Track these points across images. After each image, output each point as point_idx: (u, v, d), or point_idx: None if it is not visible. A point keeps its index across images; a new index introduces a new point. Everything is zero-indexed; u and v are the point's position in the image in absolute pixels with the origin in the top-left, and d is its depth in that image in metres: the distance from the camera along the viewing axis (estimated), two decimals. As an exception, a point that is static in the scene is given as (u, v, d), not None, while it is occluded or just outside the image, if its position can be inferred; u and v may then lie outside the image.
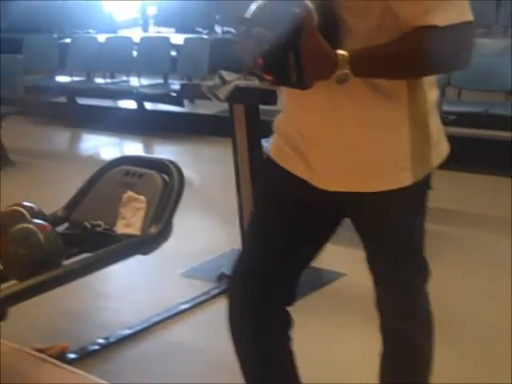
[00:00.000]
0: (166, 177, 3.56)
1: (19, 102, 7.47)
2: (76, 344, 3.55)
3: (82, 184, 3.74)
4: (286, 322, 2.37)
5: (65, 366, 3.22)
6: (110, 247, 3.27)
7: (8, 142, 7.23)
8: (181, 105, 7.86)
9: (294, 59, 1.84)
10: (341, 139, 2.10)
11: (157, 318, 3.79)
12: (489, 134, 6.59)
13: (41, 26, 11.05)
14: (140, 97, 8.20)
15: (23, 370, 3.17)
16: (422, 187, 2.19)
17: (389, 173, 2.11)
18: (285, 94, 2.22)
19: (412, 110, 2.08)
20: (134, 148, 7.92)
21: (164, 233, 3.43)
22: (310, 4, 1.86)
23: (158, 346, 3.61)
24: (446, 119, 5.72)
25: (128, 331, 3.68)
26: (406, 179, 2.10)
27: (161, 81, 8.47)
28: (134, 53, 8.62)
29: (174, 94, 7.85)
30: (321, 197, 2.18)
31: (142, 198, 3.50)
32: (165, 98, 7.98)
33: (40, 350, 3.35)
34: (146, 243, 3.37)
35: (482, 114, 6.26)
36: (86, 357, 3.48)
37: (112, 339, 3.62)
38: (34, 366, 3.22)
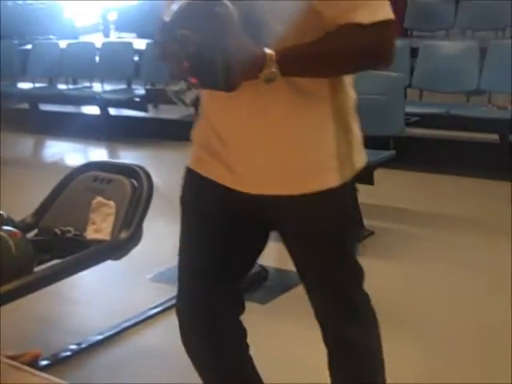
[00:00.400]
0: (134, 182, 3.56)
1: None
2: (48, 351, 3.53)
3: (50, 190, 3.74)
4: (240, 333, 2.35)
5: (38, 373, 3.21)
6: (81, 253, 3.27)
7: (-31, 148, 7.19)
8: (145, 110, 7.88)
9: (220, 60, 1.79)
10: (263, 140, 2.07)
11: (127, 323, 3.80)
12: (450, 134, 6.70)
13: (1, 32, 10.98)
14: (104, 102, 8.19)
15: (-4, 377, 3.18)
16: (349, 188, 2.17)
17: (315, 174, 2.09)
18: (203, 99, 2.17)
19: (335, 110, 2.07)
20: (98, 154, 7.90)
21: (134, 238, 3.44)
22: (230, 4, 1.81)
23: (130, 350, 3.62)
24: (409, 121, 5.84)
25: (99, 337, 3.67)
26: (333, 180, 2.08)
27: (124, 86, 8.47)
28: (97, 58, 8.59)
29: (137, 100, 7.86)
30: (245, 203, 2.13)
31: (111, 203, 3.50)
32: (129, 104, 7.99)
33: (12, 358, 3.33)
34: (116, 248, 3.37)
35: (443, 115, 6.35)
36: (59, 363, 3.47)
37: (83, 345, 3.61)
38: (7, 374, 3.22)
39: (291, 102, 2.02)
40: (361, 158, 2.18)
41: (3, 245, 3.03)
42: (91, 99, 8.32)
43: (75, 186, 3.68)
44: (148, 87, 7.90)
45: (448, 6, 8.80)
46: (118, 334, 3.72)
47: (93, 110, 8.60)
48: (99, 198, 3.52)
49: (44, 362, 3.44)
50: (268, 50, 1.87)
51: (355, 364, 2.38)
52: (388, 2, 1.99)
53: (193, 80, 1.84)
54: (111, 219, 3.45)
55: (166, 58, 1.86)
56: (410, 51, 7.00)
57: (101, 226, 3.43)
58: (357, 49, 1.95)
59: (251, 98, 2.00)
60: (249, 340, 2.35)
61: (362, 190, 4.84)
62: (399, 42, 7.24)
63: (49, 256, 3.41)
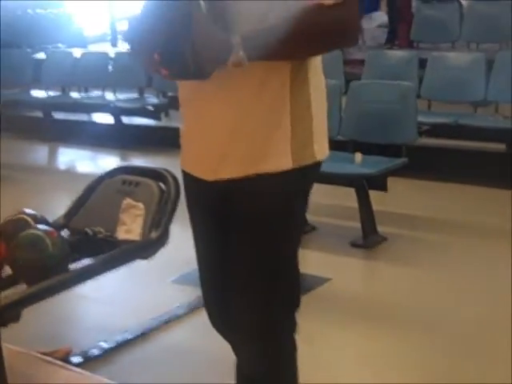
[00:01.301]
0: (162, 185, 3.67)
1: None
2: (77, 348, 3.66)
3: (66, 195, 3.85)
4: None
5: (71, 367, 3.36)
6: (113, 252, 3.36)
7: (-16, 156, 7.31)
8: (158, 118, 8.00)
9: (189, 49, 1.82)
10: (220, 125, 2.09)
11: (153, 323, 3.92)
12: (458, 144, 6.82)
13: (11, 40, 11.11)
14: (117, 111, 8.30)
15: (30, 372, 3.30)
16: (303, 178, 2.14)
17: (268, 155, 2.07)
18: (179, 95, 2.22)
19: (294, 96, 2.06)
20: (110, 161, 8.01)
21: (163, 238, 3.53)
22: None
23: (156, 348, 3.74)
24: (419, 130, 5.97)
25: (126, 335, 3.80)
26: (284, 163, 2.07)
27: (136, 95, 8.59)
28: (110, 67, 8.72)
29: (150, 108, 7.98)
30: (209, 192, 2.20)
31: (140, 204, 3.59)
32: (142, 112, 8.11)
33: (46, 354, 3.47)
34: (146, 248, 3.46)
35: (452, 125, 6.47)
36: (89, 360, 3.59)
37: (112, 343, 3.73)
38: (41, 368, 3.35)
39: (246, 87, 2.03)
40: (322, 149, 2.17)
41: (40, 243, 3.11)
42: (104, 108, 8.45)
43: (105, 189, 3.76)
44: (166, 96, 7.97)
45: (453, 18, 8.94)
46: (143, 332, 3.85)
47: (106, 118, 8.71)
48: (129, 200, 3.62)
49: (75, 359, 3.56)
50: (233, 35, 1.90)
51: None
52: None
53: (164, 72, 1.88)
54: (140, 220, 3.55)
55: (136, 52, 1.93)
56: (419, 62, 7.13)
57: (131, 227, 3.53)
58: (321, 29, 1.95)
59: (209, 85, 2.01)
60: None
61: (376, 196, 5.02)
62: (408, 53, 7.40)
63: (80, 255, 3.50)
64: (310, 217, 5.07)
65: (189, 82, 2.05)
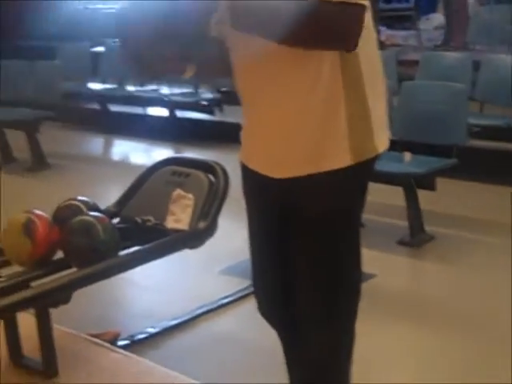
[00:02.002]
0: (211, 177, 3.75)
1: (55, 108, 7.71)
2: (125, 332, 3.77)
3: (120, 184, 3.95)
4: None
5: (119, 350, 3.46)
6: (162, 240, 3.45)
7: (44, 145, 7.48)
8: (211, 113, 8.10)
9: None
10: (276, 122, 2.11)
11: (199, 310, 4.01)
12: (509, 146, 6.78)
13: (72, 34, 11.31)
14: (172, 105, 8.42)
15: (80, 353, 3.41)
16: (362, 172, 2.15)
17: (326, 153, 2.08)
18: (239, 92, 2.25)
19: (347, 90, 2.05)
20: (164, 154, 8.12)
21: (211, 228, 3.61)
22: None
23: (202, 335, 3.83)
24: (471, 131, 5.96)
25: (173, 321, 3.90)
26: (344, 160, 2.07)
27: (191, 90, 8.70)
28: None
29: (204, 103, 8.09)
30: (269, 187, 2.22)
31: (189, 195, 3.68)
32: (196, 107, 8.22)
33: (94, 336, 3.58)
34: (194, 238, 3.54)
35: (503, 128, 6.45)
36: (136, 344, 3.70)
37: (159, 328, 3.83)
38: (90, 350, 3.46)
39: (302, 81, 2.04)
40: (382, 141, 2.17)
41: (92, 229, 3.21)
42: (159, 101, 8.57)
43: (155, 179, 3.86)
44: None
45: (510, 21, 8.89)
46: (190, 319, 3.95)
47: (160, 111, 8.84)
48: (179, 191, 3.70)
49: (122, 342, 3.67)
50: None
51: (307, 374, 2.34)
52: None
53: (186, 71, 1.98)
54: (190, 211, 3.63)
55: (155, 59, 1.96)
56: (473, 64, 7.11)
57: (180, 217, 3.62)
58: (318, 22, 1.91)
59: (267, 83, 2.08)
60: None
61: (425, 195, 5.04)
62: (462, 55, 7.38)
63: (130, 243, 3.59)
64: (359, 214, 5.12)
65: (247, 79, 2.14)
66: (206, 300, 4.15)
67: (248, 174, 2.34)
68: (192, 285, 4.48)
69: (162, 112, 8.72)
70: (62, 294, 3.03)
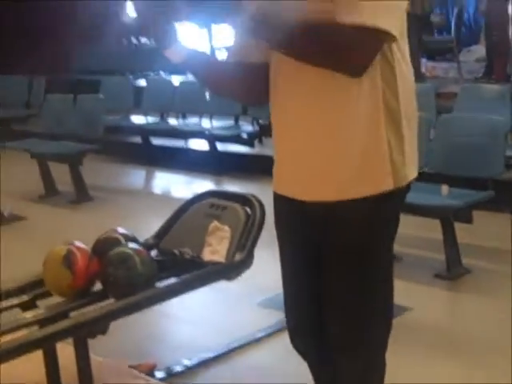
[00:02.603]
0: (248, 209, 3.80)
1: (98, 141, 7.84)
2: (161, 364, 3.81)
3: (160, 217, 4.01)
4: None
5: (155, 381, 3.51)
6: (198, 272, 3.50)
7: (87, 178, 7.60)
8: (251, 145, 8.17)
9: None
10: (313, 146, 2.16)
11: (236, 343, 4.04)
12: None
13: (114, 67, 11.51)
14: (212, 138, 8.50)
15: (116, 383, 3.46)
16: (397, 199, 2.20)
17: (364, 179, 2.12)
18: (272, 118, 2.31)
19: (387, 117, 2.11)
20: (205, 187, 8.19)
21: (247, 261, 3.65)
22: None
23: (238, 368, 3.85)
24: (508, 163, 5.94)
25: (210, 354, 3.93)
26: (383, 185, 2.13)
27: (232, 122, 8.78)
28: (207, 96, 8.94)
29: (244, 136, 8.16)
30: (301, 213, 2.26)
31: (226, 227, 3.73)
32: (236, 139, 8.30)
33: (131, 367, 3.64)
34: (230, 270, 3.58)
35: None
36: (172, 376, 3.74)
37: (195, 360, 3.87)
38: (126, 380, 3.51)
39: (342, 106, 2.10)
40: (413, 169, 2.23)
41: (130, 260, 3.27)
42: (200, 134, 8.66)
43: (193, 212, 3.91)
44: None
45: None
46: (227, 352, 3.97)
47: (201, 144, 8.93)
48: (215, 223, 3.76)
49: (159, 374, 3.72)
50: None
51: None
52: (398, 15, 2.03)
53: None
54: (226, 243, 3.68)
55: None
56: (512, 96, 7.10)
57: (216, 249, 3.67)
58: (327, 44, 1.99)
59: (299, 104, 2.15)
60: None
61: (461, 228, 5.03)
62: (501, 87, 7.36)
63: (167, 274, 3.64)
64: (396, 247, 5.10)
65: (281, 104, 2.20)
66: (242, 332, 4.18)
67: (281, 204, 2.38)
68: (229, 317, 4.51)
69: (203, 145, 8.81)
70: (99, 325, 3.09)
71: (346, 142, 2.13)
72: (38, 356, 3.23)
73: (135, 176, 9.06)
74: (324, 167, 2.17)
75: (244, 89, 2.34)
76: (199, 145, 9.04)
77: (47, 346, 3.18)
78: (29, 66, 10.58)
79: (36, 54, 11.41)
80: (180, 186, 8.30)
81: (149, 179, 9.10)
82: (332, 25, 1.98)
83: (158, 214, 4.17)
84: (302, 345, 2.51)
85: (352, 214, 2.16)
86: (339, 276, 2.24)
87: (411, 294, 4.64)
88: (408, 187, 2.24)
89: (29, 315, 3.15)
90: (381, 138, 2.12)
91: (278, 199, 2.39)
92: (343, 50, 1.99)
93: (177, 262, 3.70)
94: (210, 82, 2.41)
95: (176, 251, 3.76)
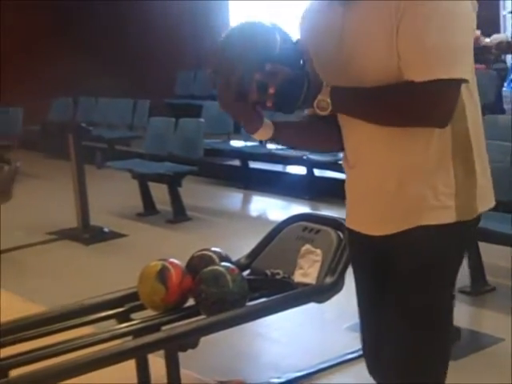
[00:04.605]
0: (340, 234, 3.84)
1: (198, 163, 8.00)
2: (249, 382, 3.88)
3: (254, 239, 4.09)
4: None
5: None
6: (289, 293, 3.57)
7: (185, 198, 7.76)
8: (348, 172, 8.18)
9: (306, 86, 2.08)
10: (376, 181, 2.19)
11: (324, 365, 4.07)
12: None
13: (212, 93, 11.71)
14: (310, 163, 8.55)
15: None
16: (464, 230, 2.18)
17: (430, 209, 2.12)
18: (343, 162, 2.40)
19: (456, 151, 2.12)
20: (299, 210, 8.23)
21: (337, 284, 3.69)
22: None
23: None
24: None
25: (297, 374, 3.98)
26: (447, 217, 2.12)
27: (329, 149, 8.81)
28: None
29: (341, 162, 8.19)
30: (370, 246, 2.30)
31: (318, 251, 3.78)
32: (333, 165, 8.32)
33: (222, 383, 3.72)
34: (320, 292, 3.64)
35: None
36: (260, 393, 3.81)
37: (283, 380, 3.92)
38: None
39: (412, 146, 2.12)
40: (485, 201, 2.22)
41: (222, 279, 3.36)
42: (298, 160, 8.72)
43: (286, 234, 3.98)
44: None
45: None
46: (314, 373, 4.01)
47: (298, 169, 9.00)
48: (307, 246, 3.81)
49: (247, 392, 3.79)
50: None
51: None
52: (467, 61, 2.01)
53: (269, 103, 2.10)
54: (318, 266, 3.73)
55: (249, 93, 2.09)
56: None
57: (307, 271, 3.72)
58: (404, 105, 2.01)
59: (361, 141, 2.20)
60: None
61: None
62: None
63: (259, 294, 3.71)
64: (490, 277, 5.10)
65: (353, 139, 2.25)
66: (330, 355, 4.21)
67: (350, 236, 2.45)
68: (318, 339, 4.55)
69: (300, 170, 8.87)
70: (190, 339, 3.18)
71: (413, 176, 2.16)
72: (130, 366, 3.35)
73: (232, 198, 9.19)
74: (390, 200, 2.21)
75: (321, 140, 2.44)
76: (296, 170, 9.10)
77: (139, 356, 3.29)
78: (134, 89, 10.95)
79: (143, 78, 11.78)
80: (275, 210, 8.37)
81: (245, 202, 9.21)
82: (403, 86, 2.01)
83: (252, 236, 4.26)
84: (371, 368, 2.53)
85: (416, 242, 2.19)
86: (398, 302, 2.27)
87: (504, 325, 4.57)
88: (477, 219, 2.22)
89: (123, 326, 3.27)
90: (449, 172, 2.13)
91: (350, 233, 2.45)
92: (422, 108, 2.00)
93: (268, 283, 3.78)
94: (293, 144, 2.59)
95: (268, 272, 3.84)
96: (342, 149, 2.38)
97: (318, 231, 3.89)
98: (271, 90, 2.05)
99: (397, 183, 2.17)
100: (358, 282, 2.50)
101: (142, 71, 12.77)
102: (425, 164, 2.13)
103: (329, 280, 3.66)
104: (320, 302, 3.75)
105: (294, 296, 3.61)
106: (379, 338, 2.37)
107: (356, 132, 2.22)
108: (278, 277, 3.78)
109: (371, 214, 2.28)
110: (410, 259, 2.21)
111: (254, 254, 4.00)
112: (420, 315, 2.24)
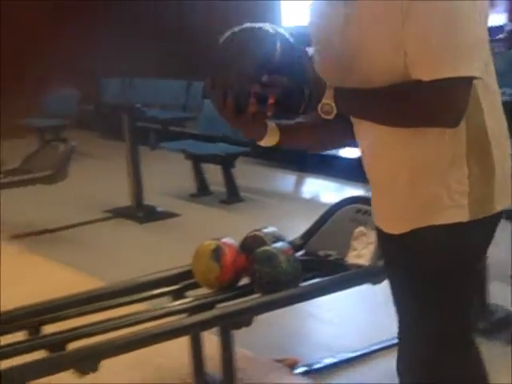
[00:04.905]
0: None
1: (251, 144, 8.00)
2: (302, 362, 3.90)
3: (306, 221, 4.10)
4: None
5: (298, 376, 3.61)
6: (343, 274, 3.58)
7: (239, 180, 7.79)
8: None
9: (308, 93, 2.01)
10: (389, 178, 2.14)
11: (377, 346, 4.07)
12: None
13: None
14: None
15: (260, 374, 3.59)
16: (480, 229, 2.11)
17: (442, 208, 2.07)
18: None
19: (472, 148, 2.04)
20: (353, 193, 8.19)
21: (391, 266, 3.68)
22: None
23: (378, 370, 3.87)
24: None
25: (351, 354, 3.99)
26: (460, 216, 2.06)
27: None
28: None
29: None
30: (388, 243, 2.28)
31: (372, 233, 3.77)
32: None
33: (276, 360, 3.76)
34: (374, 274, 3.63)
35: None
36: (313, 373, 3.82)
37: (336, 360, 3.94)
38: (271, 373, 3.63)
39: (421, 138, 2.06)
40: (505, 199, 2.14)
41: (274, 259, 3.39)
42: (351, 142, 8.69)
43: (339, 216, 3.99)
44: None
45: None
46: (367, 354, 4.02)
47: (352, 151, 8.96)
48: (361, 228, 3.82)
49: (301, 369, 3.81)
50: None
51: None
52: (477, 56, 1.93)
53: (270, 111, 2.04)
54: (371, 247, 3.73)
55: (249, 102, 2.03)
56: None
57: (361, 253, 3.73)
58: (411, 106, 1.96)
59: (372, 139, 2.15)
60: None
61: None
62: None
63: (312, 275, 3.74)
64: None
65: (364, 137, 2.21)
66: (383, 336, 4.20)
67: (378, 233, 2.38)
68: (370, 321, 4.54)
69: (354, 152, 8.83)
70: (244, 317, 3.22)
71: (426, 173, 2.11)
72: (185, 342, 3.40)
73: (285, 180, 9.20)
74: (400, 202, 2.17)
75: (338, 135, 2.38)
76: (350, 152, 9.07)
77: (193, 333, 3.34)
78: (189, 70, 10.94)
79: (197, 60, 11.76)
80: (328, 192, 8.36)
81: (298, 184, 9.21)
82: (410, 86, 1.96)
83: (305, 218, 4.26)
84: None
85: (429, 241, 2.14)
86: (413, 300, 2.26)
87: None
88: (497, 216, 2.15)
89: (178, 304, 3.31)
90: (462, 170, 2.06)
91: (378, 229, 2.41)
92: (431, 108, 1.95)
93: (321, 264, 3.79)
94: (305, 147, 2.54)
95: (321, 253, 3.85)
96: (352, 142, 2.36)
97: (371, 213, 3.88)
98: (271, 100, 2.01)
99: (409, 181, 2.12)
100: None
101: (198, 53, 12.76)
102: (438, 161, 2.08)
103: (383, 262, 3.66)
104: (374, 283, 3.75)
105: (349, 277, 3.62)
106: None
107: (367, 130, 2.17)
108: (331, 258, 3.80)
109: (386, 212, 2.25)
110: (423, 259, 2.17)
111: (308, 235, 4.02)
112: (434, 315, 2.23)
